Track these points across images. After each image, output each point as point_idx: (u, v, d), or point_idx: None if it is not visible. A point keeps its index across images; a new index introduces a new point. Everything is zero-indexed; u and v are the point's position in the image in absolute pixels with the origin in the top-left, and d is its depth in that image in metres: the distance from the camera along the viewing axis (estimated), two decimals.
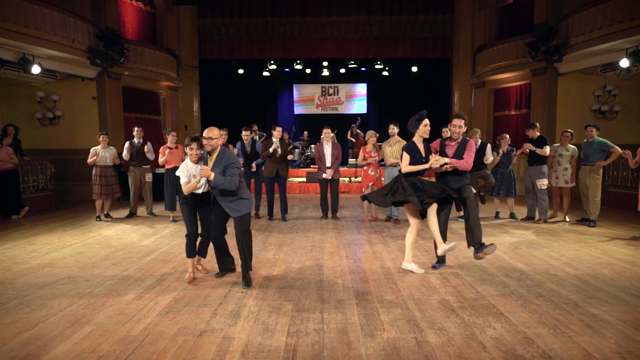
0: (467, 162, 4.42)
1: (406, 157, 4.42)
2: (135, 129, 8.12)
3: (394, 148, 7.30)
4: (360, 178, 12.25)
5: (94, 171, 7.80)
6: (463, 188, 4.53)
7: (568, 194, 7.45)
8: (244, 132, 7.76)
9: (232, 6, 14.02)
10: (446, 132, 7.05)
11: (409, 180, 4.42)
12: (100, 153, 7.76)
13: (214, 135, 4.10)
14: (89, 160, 7.72)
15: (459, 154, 4.50)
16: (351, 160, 14.50)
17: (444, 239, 4.62)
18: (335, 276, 4.54)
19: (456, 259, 5.18)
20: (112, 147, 8.01)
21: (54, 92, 10.89)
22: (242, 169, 4.93)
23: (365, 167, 7.66)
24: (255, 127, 10.60)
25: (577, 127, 7.54)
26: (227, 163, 4.09)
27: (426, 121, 4.46)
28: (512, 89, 12.78)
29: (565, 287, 4.13)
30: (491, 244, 4.42)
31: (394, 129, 7.33)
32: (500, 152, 7.54)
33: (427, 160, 4.48)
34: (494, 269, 4.75)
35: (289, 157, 7.80)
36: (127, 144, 8.04)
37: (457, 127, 4.46)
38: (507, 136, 7.69)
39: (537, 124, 7.60)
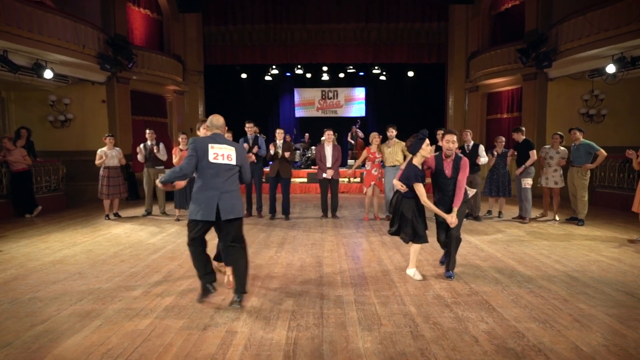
0: (461, 189, 4.17)
1: (420, 188, 4.09)
2: (147, 131, 8.10)
3: (392, 150, 7.33)
4: (359, 179, 12.33)
5: (101, 172, 7.78)
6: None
7: (557, 194, 7.45)
8: (247, 125, 7.75)
9: (236, 13, 14.02)
10: (441, 134, 7.05)
11: (413, 206, 4.24)
12: (107, 154, 7.75)
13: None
14: (97, 162, 7.70)
15: (455, 171, 4.21)
16: (350, 162, 14.49)
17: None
18: (335, 273, 4.54)
19: None
20: (117, 148, 7.98)
21: (66, 96, 10.89)
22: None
23: (362, 168, 7.66)
24: (256, 130, 10.56)
25: (566, 130, 7.55)
26: None
27: (428, 140, 4.15)
28: (504, 93, 12.78)
29: (555, 283, 4.13)
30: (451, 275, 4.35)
31: (392, 132, 7.36)
32: (495, 153, 7.54)
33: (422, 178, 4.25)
34: (486, 266, 4.75)
35: (286, 154, 7.66)
36: (139, 147, 8.03)
37: (451, 142, 4.16)
38: (503, 138, 7.69)
39: (523, 128, 7.62)
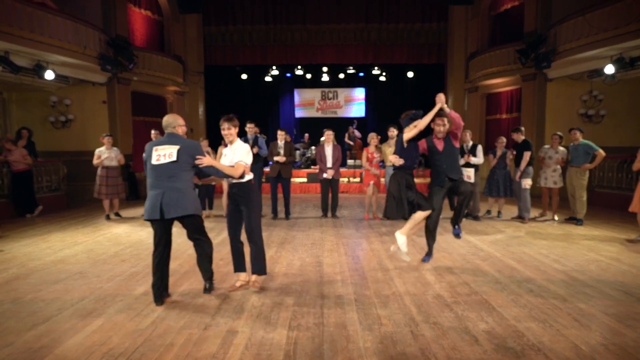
0: (458, 116, 4.40)
1: (410, 131, 4.36)
2: (153, 132, 7.99)
3: (393, 149, 7.32)
4: (359, 178, 12.33)
5: (99, 171, 7.75)
6: (460, 182, 4.52)
7: (557, 194, 7.46)
8: (248, 125, 7.74)
9: (236, 14, 14.02)
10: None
11: (407, 180, 4.41)
12: (105, 154, 7.72)
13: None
14: (95, 161, 7.66)
15: (446, 145, 4.49)
16: (349, 162, 14.49)
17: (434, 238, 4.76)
18: (335, 273, 4.54)
19: (450, 255, 5.18)
20: (115, 148, 7.95)
21: (67, 97, 10.90)
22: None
23: (367, 167, 7.67)
24: (257, 130, 10.58)
25: (565, 130, 7.56)
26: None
27: (417, 122, 4.43)
28: (504, 94, 12.79)
29: (554, 283, 4.13)
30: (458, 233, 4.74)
31: (393, 132, 7.37)
32: (498, 154, 7.55)
33: (416, 150, 4.48)
34: (486, 266, 4.75)
35: (277, 158, 7.70)
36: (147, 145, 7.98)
37: (442, 125, 4.45)
38: (504, 139, 7.69)
39: (522, 128, 7.61)
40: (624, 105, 10.57)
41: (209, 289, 3.84)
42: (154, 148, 3.57)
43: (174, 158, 3.51)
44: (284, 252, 5.44)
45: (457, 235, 4.64)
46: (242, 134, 7.91)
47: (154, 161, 3.53)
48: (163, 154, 3.52)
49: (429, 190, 4.62)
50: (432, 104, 4.46)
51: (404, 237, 4.46)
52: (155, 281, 3.63)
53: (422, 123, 4.32)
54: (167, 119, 3.69)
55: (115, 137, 8.32)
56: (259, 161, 7.82)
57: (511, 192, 7.55)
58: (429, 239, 4.75)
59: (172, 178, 3.51)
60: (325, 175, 7.75)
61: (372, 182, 7.61)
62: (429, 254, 4.85)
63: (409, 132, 4.35)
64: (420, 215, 4.44)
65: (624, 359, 2.68)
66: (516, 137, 7.41)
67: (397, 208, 4.46)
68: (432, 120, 4.43)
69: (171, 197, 3.48)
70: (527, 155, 7.17)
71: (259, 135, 7.99)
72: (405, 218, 4.49)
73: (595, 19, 8.80)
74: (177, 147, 3.55)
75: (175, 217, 3.53)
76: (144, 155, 3.69)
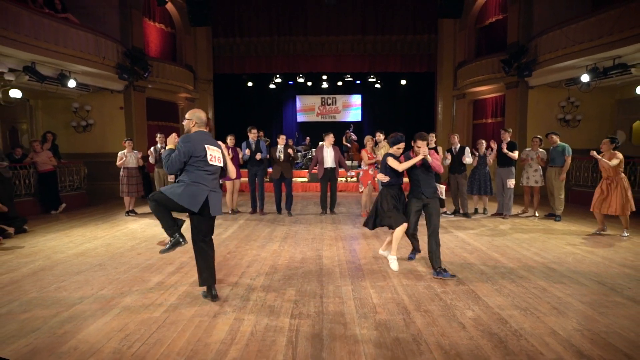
0: (439, 164, 4.22)
1: (394, 161, 4.24)
2: (158, 135, 8.06)
3: (381, 152, 7.34)
4: (357, 178, 12.30)
5: (121, 172, 7.82)
6: (431, 203, 4.20)
7: (537, 192, 7.46)
8: (252, 130, 7.72)
9: (242, 27, 14.02)
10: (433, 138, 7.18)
11: (394, 193, 4.32)
12: (127, 156, 7.77)
13: (187, 116, 3.46)
14: (118, 163, 7.73)
15: (426, 164, 4.20)
16: (347, 163, 14.47)
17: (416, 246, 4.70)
18: (333, 265, 4.55)
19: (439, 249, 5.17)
20: (136, 151, 8.01)
21: (87, 103, 10.90)
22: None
23: (366, 167, 7.62)
24: (261, 134, 10.58)
25: (545, 133, 7.57)
26: None
27: (399, 145, 4.29)
28: (489, 100, 12.77)
29: (535, 274, 4.14)
30: (451, 275, 4.06)
31: (379, 136, 7.38)
32: (477, 155, 7.54)
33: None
34: (473, 259, 4.76)
35: (290, 151, 7.65)
36: (150, 150, 8.02)
37: (422, 147, 4.12)
38: (484, 141, 7.69)
39: (510, 130, 7.54)
40: (598, 110, 10.60)
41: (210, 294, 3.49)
42: (207, 147, 3.34)
43: (222, 164, 3.48)
44: (287, 246, 5.45)
45: (441, 274, 4.06)
46: (245, 137, 7.94)
47: (208, 159, 3.32)
48: (215, 157, 3.39)
49: (407, 200, 4.41)
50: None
51: (394, 257, 4.31)
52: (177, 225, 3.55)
53: (403, 165, 4.15)
54: (200, 115, 3.44)
55: (132, 141, 8.35)
56: (262, 163, 7.83)
57: (491, 191, 7.55)
58: (412, 241, 4.66)
59: (216, 180, 3.45)
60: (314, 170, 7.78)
61: (369, 182, 7.58)
62: (414, 252, 4.76)
63: (392, 162, 4.20)
64: (399, 232, 4.24)
65: (597, 343, 2.69)
66: (504, 135, 7.33)
67: (367, 219, 4.47)
68: (414, 140, 4.22)
69: (217, 197, 3.40)
70: (516, 153, 7.17)
71: (261, 138, 8.01)
72: (369, 228, 4.43)
73: (571, 32, 8.81)
74: (220, 151, 3.48)
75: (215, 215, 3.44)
76: (187, 145, 3.27)
